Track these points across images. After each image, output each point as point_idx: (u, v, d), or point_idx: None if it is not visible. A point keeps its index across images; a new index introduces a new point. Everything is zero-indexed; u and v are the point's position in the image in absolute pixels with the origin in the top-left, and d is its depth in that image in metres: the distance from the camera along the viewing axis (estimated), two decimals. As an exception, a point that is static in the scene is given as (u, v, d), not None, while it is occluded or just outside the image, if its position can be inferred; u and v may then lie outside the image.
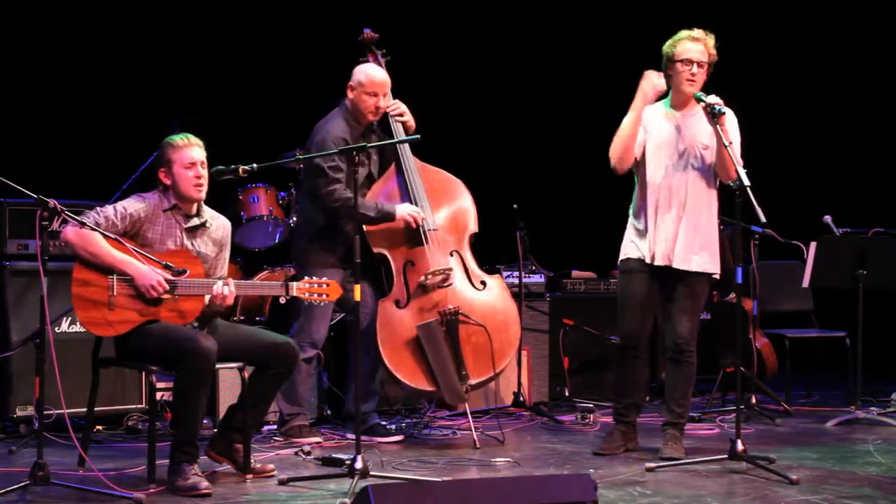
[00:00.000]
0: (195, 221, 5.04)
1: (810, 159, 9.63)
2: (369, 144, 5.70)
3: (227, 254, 5.20)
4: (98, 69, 7.91)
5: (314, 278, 5.08)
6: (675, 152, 5.49)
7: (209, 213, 5.12)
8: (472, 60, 9.10)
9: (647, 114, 5.54)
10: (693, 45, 5.43)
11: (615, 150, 5.51)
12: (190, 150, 4.99)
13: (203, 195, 5.03)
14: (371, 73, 6.02)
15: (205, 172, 5.01)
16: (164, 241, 4.95)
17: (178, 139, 5.02)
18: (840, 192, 9.03)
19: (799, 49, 9.61)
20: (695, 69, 5.42)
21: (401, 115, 6.14)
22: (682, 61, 5.43)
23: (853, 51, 9.64)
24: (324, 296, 5.04)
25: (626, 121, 5.48)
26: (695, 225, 5.47)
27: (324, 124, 6.00)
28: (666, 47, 5.49)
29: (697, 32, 5.47)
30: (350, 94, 6.01)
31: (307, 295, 5.02)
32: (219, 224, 5.16)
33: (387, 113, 6.10)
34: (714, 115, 5.22)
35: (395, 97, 6.16)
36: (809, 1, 9.55)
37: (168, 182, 5.00)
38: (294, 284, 5.00)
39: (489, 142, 9.03)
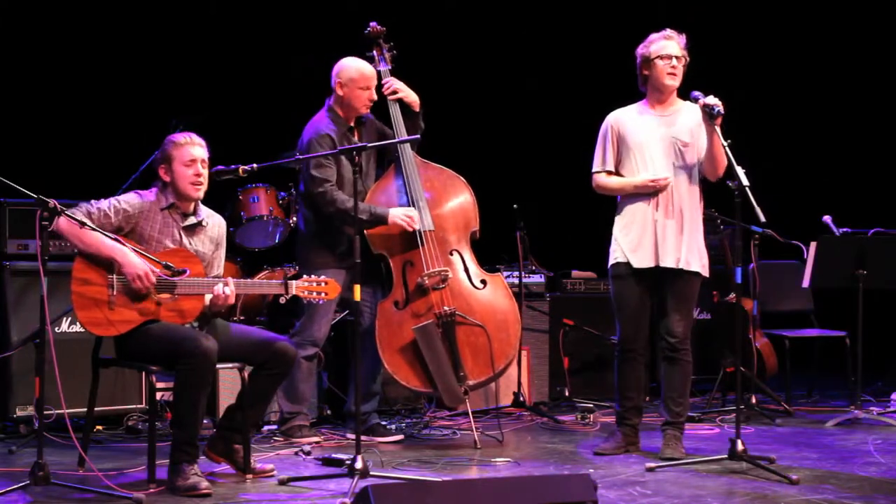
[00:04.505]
0: (192, 220, 5.04)
1: (810, 159, 9.63)
2: (370, 144, 5.69)
3: (223, 252, 5.20)
4: (98, 69, 7.91)
5: (313, 277, 5.09)
6: (657, 151, 5.52)
7: (206, 212, 5.13)
8: (473, 60, 9.10)
9: (622, 116, 5.60)
10: (668, 42, 5.52)
11: (602, 192, 5.64)
12: (191, 148, 4.99)
13: (201, 194, 5.03)
14: (362, 68, 5.98)
15: (205, 172, 5.00)
16: (161, 240, 4.95)
17: (181, 137, 5.03)
18: (840, 192, 9.03)
19: (799, 49, 9.61)
20: (675, 62, 5.49)
21: (394, 92, 6.06)
22: (661, 56, 5.49)
23: (853, 51, 9.65)
24: (322, 294, 5.05)
25: (623, 185, 5.54)
26: (682, 224, 5.48)
27: (309, 125, 5.99)
28: (640, 49, 5.57)
29: (669, 31, 5.56)
30: (340, 91, 5.96)
31: (306, 294, 5.02)
32: (214, 222, 5.16)
33: (385, 98, 6.03)
34: (712, 117, 5.24)
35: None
36: (809, 1, 9.55)
37: (167, 179, 5.00)
38: (293, 283, 5.00)
39: (489, 142, 9.03)
